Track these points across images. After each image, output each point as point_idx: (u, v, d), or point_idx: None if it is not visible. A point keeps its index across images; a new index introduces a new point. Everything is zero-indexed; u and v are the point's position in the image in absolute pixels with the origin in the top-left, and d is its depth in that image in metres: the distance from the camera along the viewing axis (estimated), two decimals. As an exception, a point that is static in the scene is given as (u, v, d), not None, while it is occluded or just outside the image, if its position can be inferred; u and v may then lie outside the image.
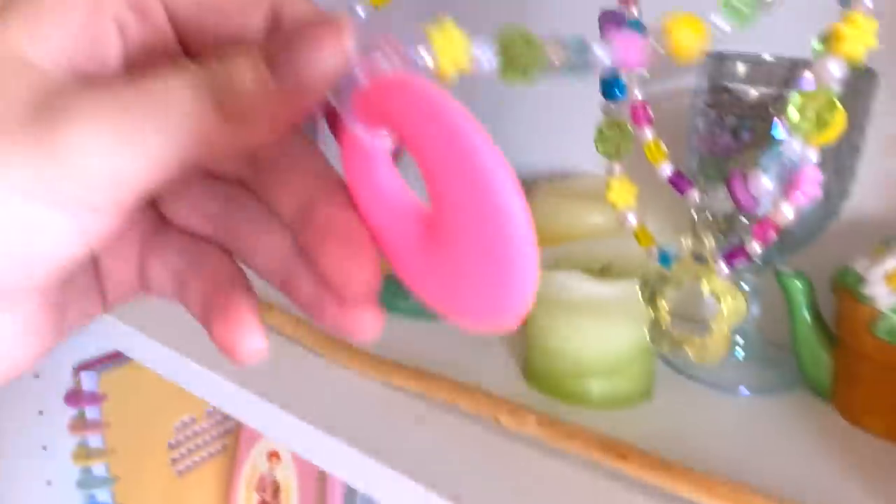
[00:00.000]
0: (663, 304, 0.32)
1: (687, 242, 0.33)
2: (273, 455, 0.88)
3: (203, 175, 0.25)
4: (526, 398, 0.51)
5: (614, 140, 0.30)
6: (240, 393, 0.53)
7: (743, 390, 0.55)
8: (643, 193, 0.35)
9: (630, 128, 0.31)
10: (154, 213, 0.25)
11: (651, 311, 0.33)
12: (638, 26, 0.32)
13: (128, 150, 0.19)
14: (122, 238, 0.25)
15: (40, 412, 0.85)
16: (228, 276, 0.24)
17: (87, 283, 0.25)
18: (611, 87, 0.31)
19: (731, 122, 0.49)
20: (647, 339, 0.33)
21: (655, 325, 0.32)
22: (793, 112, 0.26)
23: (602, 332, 0.51)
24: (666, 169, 0.33)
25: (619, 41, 0.20)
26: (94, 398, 0.84)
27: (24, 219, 0.19)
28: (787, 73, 0.50)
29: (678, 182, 0.33)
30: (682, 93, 0.57)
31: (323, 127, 0.23)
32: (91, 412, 0.84)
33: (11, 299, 0.21)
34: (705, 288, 0.30)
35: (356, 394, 0.53)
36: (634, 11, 0.31)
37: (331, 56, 0.19)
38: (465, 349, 0.58)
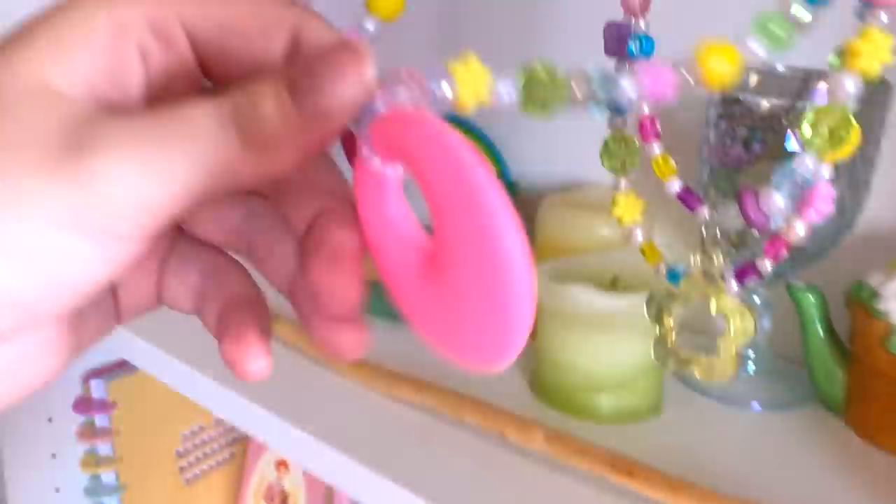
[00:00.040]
0: (670, 322, 0.32)
1: (696, 259, 0.32)
2: (281, 464, 0.88)
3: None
4: (534, 412, 0.51)
5: (620, 155, 0.29)
6: (245, 405, 0.53)
7: (754, 405, 0.54)
8: (652, 205, 0.34)
9: (636, 142, 0.31)
10: (172, 228, 0.26)
11: (657, 327, 0.32)
12: (647, 42, 0.31)
13: (154, 180, 0.19)
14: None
15: (49, 419, 0.85)
16: (244, 295, 0.24)
17: (104, 302, 0.25)
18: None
19: (742, 134, 0.48)
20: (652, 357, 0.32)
21: (661, 343, 0.32)
22: (806, 128, 0.26)
23: (611, 346, 0.51)
24: (675, 185, 0.32)
25: (646, 73, 0.20)
26: (103, 406, 0.84)
27: (57, 248, 0.19)
28: (800, 84, 0.49)
29: (687, 199, 0.32)
30: (692, 103, 0.56)
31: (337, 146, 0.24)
32: (100, 420, 0.84)
33: (37, 323, 0.21)
34: (713, 306, 0.29)
35: (362, 406, 0.53)
36: (642, 24, 0.31)
37: (353, 86, 0.20)
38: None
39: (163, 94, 0.22)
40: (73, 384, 0.84)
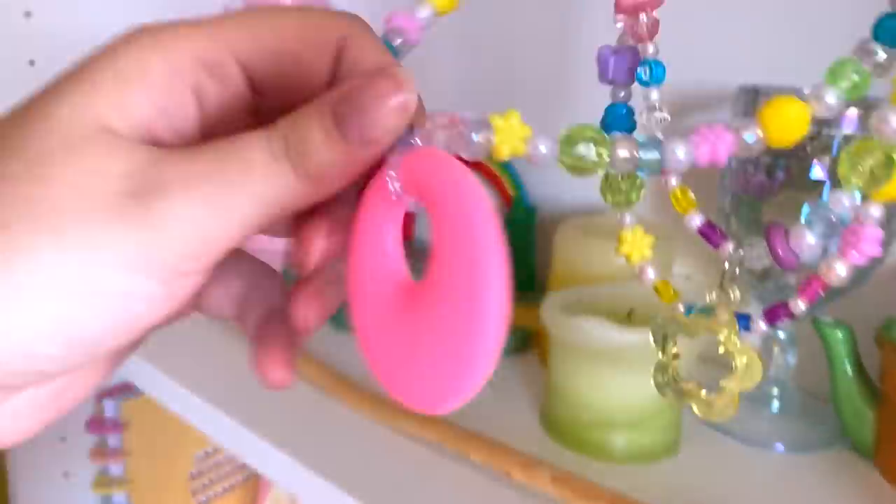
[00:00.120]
0: (672, 349, 0.29)
1: (712, 296, 0.30)
2: (294, 489, 0.86)
3: None
4: (543, 449, 0.49)
5: (623, 189, 0.27)
6: (246, 435, 0.52)
7: (778, 446, 0.51)
8: (673, 229, 0.32)
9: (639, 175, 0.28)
10: None
11: (659, 353, 0.30)
12: (657, 67, 0.29)
13: (216, 217, 0.20)
14: None
15: (62, 438, 0.85)
16: (280, 304, 0.25)
17: None
18: (618, 118, 0.28)
19: (765, 161, 0.46)
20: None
21: (661, 370, 0.29)
22: (844, 165, 0.24)
23: (626, 382, 0.48)
24: (696, 219, 0.29)
25: (705, 138, 0.20)
26: (116, 426, 0.83)
27: (126, 290, 0.20)
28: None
29: (710, 234, 0.30)
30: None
31: None
32: (113, 440, 0.84)
33: (96, 359, 0.22)
34: (720, 346, 0.27)
35: (364, 440, 0.51)
36: (650, 48, 0.29)
37: (396, 117, 0.21)
38: (481, 395, 0.56)
39: (217, 125, 0.23)
40: (86, 404, 0.84)
